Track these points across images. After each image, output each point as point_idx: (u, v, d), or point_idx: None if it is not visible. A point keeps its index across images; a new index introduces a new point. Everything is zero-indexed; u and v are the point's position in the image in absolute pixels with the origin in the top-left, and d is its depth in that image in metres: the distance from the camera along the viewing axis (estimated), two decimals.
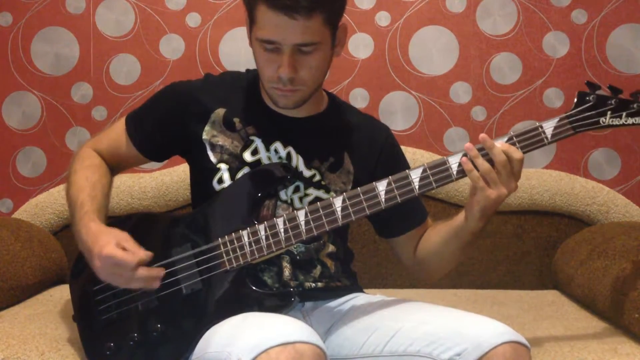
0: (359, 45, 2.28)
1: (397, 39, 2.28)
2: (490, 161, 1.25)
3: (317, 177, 1.44)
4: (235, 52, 2.29)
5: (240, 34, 2.28)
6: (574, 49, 2.25)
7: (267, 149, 1.43)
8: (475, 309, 1.82)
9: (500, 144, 1.26)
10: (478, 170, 1.25)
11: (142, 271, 1.27)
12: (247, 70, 1.54)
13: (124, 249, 1.27)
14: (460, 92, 2.28)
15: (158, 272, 1.29)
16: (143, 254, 1.27)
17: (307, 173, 1.43)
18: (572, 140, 2.23)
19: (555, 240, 2.16)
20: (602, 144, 2.26)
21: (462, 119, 2.28)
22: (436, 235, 1.45)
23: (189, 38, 2.30)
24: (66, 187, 1.46)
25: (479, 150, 1.26)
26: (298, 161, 1.43)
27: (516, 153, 1.25)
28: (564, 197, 2.13)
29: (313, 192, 1.43)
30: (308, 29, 1.28)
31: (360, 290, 1.53)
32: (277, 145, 1.43)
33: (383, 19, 2.28)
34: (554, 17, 2.26)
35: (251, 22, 1.33)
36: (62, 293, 1.89)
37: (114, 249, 1.26)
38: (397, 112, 2.29)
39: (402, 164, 1.54)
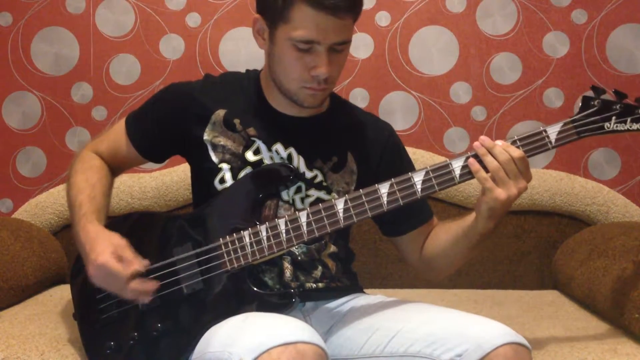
0: (359, 45, 2.28)
1: (397, 39, 2.28)
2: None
3: (319, 178, 1.44)
4: (235, 52, 2.29)
5: (240, 34, 2.28)
6: (574, 49, 2.25)
7: (269, 149, 1.43)
8: (475, 309, 1.83)
9: (501, 142, 1.26)
10: (487, 169, 1.25)
11: (134, 284, 1.27)
12: (247, 70, 1.53)
13: (120, 258, 1.27)
14: (460, 92, 2.28)
15: (151, 286, 1.29)
16: (138, 265, 1.28)
17: (308, 174, 1.43)
18: None
19: (555, 240, 2.16)
20: (602, 144, 2.26)
21: (462, 119, 2.28)
22: (445, 234, 1.44)
23: (189, 38, 2.30)
24: (66, 189, 1.46)
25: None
26: (299, 162, 1.43)
27: (515, 151, 1.25)
28: (564, 197, 2.14)
29: (314, 194, 1.43)
30: (345, 27, 1.30)
31: (360, 290, 1.53)
32: (278, 146, 1.43)
33: (383, 19, 2.28)
34: (554, 17, 2.26)
35: (281, 22, 1.31)
36: (62, 293, 1.89)
37: (109, 259, 1.27)
38: (397, 112, 2.29)
39: (405, 163, 1.55)
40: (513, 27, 2.26)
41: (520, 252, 2.16)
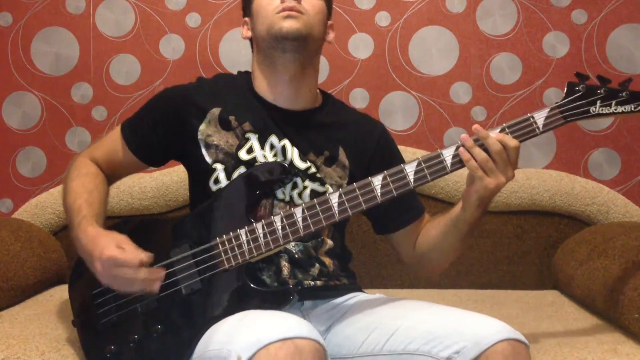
0: (359, 45, 2.28)
1: (397, 39, 2.28)
2: (487, 151, 1.26)
3: (313, 170, 1.45)
4: (235, 52, 2.29)
5: (240, 34, 2.28)
6: (574, 49, 2.25)
7: (262, 146, 1.44)
8: (475, 308, 1.81)
9: (494, 133, 1.27)
10: (475, 159, 1.26)
11: (144, 271, 1.27)
12: (239, 71, 1.57)
13: (124, 250, 1.27)
14: (460, 92, 2.28)
15: (159, 272, 1.29)
16: (144, 254, 1.28)
17: (302, 165, 1.44)
18: (572, 140, 2.24)
19: (555, 240, 2.16)
20: (602, 144, 2.26)
21: (462, 119, 2.28)
22: (435, 228, 1.46)
23: (189, 38, 2.30)
24: (63, 195, 1.46)
25: (475, 141, 1.27)
26: (293, 154, 1.44)
27: (512, 141, 1.26)
28: (564, 197, 2.13)
29: (309, 185, 1.44)
30: None
31: (359, 289, 1.53)
32: (272, 138, 1.44)
33: (383, 19, 2.28)
34: (554, 17, 2.26)
35: None
36: (62, 293, 1.89)
37: (114, 251, 1.27)
38: (397, 112, 2.29)
39: (397, 161, 1.55)
40: (513, 27, 2.27)
41: (520, 252, 2.16)
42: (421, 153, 2.15)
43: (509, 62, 2.27)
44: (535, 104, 2.26)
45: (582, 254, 1.92)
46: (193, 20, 2.30)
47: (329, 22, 1.52)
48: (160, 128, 1.47)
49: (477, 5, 2.27)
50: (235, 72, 1.60)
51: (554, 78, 2.26)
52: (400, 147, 1.64)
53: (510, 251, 2.16)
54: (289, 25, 1.39)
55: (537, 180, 2.14)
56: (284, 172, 1.38)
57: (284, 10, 1.40)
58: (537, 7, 2.26)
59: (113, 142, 1.51)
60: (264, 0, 1.44)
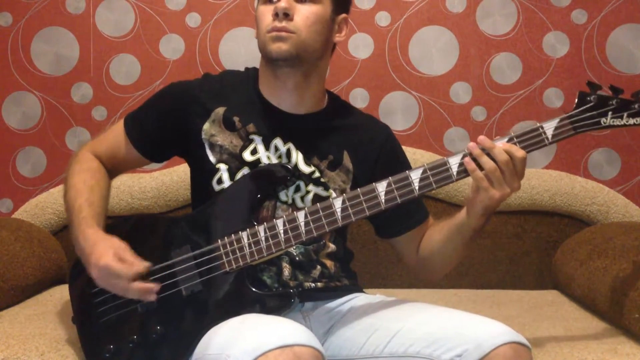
0: (359, 45, 2.28)
1: (397, 39, 2.28)
2: (494, 162, 1.25)
3: (317, 174, 1.44)
4: (235, 52, 2.29)
5: (240, 34, 2.28)
6: (574, 49, 2.25)
7: (267, 148, 1.43)
8: (475, 309, 1.82)
9: (501, 143, 1.26)
10: (482, 169, 1.25)
11: (137, 284, 1.27)
12: (246, 68, 1.55)
13: (121, 259, 1.27)
14: (460, 92, 2.28)
15: (153, 286, 1.28)
16: (140, 266, 1.27)
17: (306, 169, 1.43)
18: (572, 140, 2.23)
19: (555, 240, 2.16)
20: (602, 144, 2.26)
21: (462, 119, 2.28)
22: (438, 233, 1.45)
23: (189, 38, 2.30)
24: (64, 190, 1.46)
25: (481, 150, 1.26)
26: (298, 157, 1.43)
27: (518, 152, 1.25)
28: (564, 197, 2.13)
29: (312, 189, 1.43)
30: None
31: (360, 290, 1.52)
32: (277, 141, 1.44)
33: (383, 19, 2.28)
34: (554, 17, 2.26)
35: None
36: (62, 293, 1.89)
37: (111, 260, 1.27)
38: (397, 112, 2.29)
39: (402, 164, 1.54)
40: (513, 27, 2.26)
41: (520, 252, 2.16)
42: (421, 153, 2.16)
43: (509, 62, 2.27)
44: (535, 104, 2.26)
45: (582, 254, 1.92)
46: (193, 20, 2.30)
47: (341, 17, 1.46)
48: (163, 124, 1.47)
49: (477, 5, 2.27)
50: None
51: (554, 78, 2.26)
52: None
53: (510, 251, 2.16)
54: (277, 48, 1.36)
55: (537, 180, 2.14)
56: (287, 174, 1.37)
57: (273, 30, 1.36)
58: (537, 7, 2.26)
59: (115, 136, 1.50)
60: (260, 11, 1.40)
